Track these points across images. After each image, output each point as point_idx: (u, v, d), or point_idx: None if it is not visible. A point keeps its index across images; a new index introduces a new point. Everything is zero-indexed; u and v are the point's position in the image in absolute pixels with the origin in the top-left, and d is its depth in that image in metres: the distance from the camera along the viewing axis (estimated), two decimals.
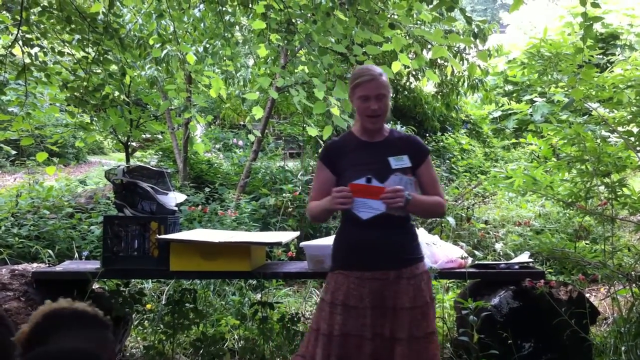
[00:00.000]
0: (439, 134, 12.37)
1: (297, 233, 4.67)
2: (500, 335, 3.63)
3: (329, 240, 4.16)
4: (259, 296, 5.17)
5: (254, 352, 4.18)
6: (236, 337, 4.63)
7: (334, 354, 2.77)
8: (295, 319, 4.21)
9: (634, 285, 4.14)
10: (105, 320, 1.91)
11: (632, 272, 4.24)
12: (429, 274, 2.98)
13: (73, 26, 5.15)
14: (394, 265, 2.83)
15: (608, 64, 5.58)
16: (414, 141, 3.04)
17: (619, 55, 10.90)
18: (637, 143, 4.66)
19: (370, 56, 5.05)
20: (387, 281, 2.80)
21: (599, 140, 4.60)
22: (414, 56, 4.92)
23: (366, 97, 2.84)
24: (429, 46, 6.96)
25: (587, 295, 4.86)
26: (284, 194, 7.19)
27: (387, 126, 3.06)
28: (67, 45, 5.55)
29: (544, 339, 3.76)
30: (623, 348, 4.02)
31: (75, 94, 5.22)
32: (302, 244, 3.94)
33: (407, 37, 5.10)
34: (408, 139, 3.04)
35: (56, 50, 5.55)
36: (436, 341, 2.85)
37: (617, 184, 4.56)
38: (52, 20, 5.26)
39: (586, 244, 6.36)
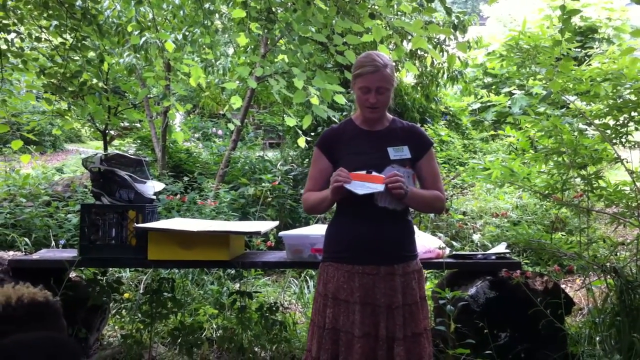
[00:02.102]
0: (418, 125, 12.36)
1: (276, 223, 4.67)
2: (477, 324, 3.66)
3: (307, 230, 4.17)
4: (237, 285, 5.16)
5: (232, 341, 4.18)
6: (214, 326, 4.63)
7: (326, 348, 2.71)
8: (274, 308, 4.21)
9: (608, 276, 4.19)
10: (57, 306, 1.88)
11: (607, 264, 4.28)
12: (422, 273, 2.90)
13: (50, 12, 5.10)
14: (386, 260, 2.74)
15: (586, 57, 5.63)
16: (417, 132, 2.94)
17: (596, 48, 10.98)
18: (613, 136, 4.71)
19: (351, 46, 5.05)
20: (377, 277, 2.71)
21: (575, 133, 4.63)
22: (394, 47, 4.91)
23: (367, 88, 2.73)
24: (409, 37, 6.96)
25: (563, 286, 4.91)
26: (263, 184, 7.18)
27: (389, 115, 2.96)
28: (45, 31, 5.48)
29: (519, 329, 3.80)
30: (597, 338, 4.08)
31: (53, 80, 5.16)
32: (281, 233, 3.94)
33: (387, 28, 5.10)
34: (411, 129, 2.93)
35: (33, 37, 5.48)
36: (423, 342, 2.76)
37: (593, 176, 4.60)
38: (29, 6, 5.19)
39: (562, 235, 6.43)
